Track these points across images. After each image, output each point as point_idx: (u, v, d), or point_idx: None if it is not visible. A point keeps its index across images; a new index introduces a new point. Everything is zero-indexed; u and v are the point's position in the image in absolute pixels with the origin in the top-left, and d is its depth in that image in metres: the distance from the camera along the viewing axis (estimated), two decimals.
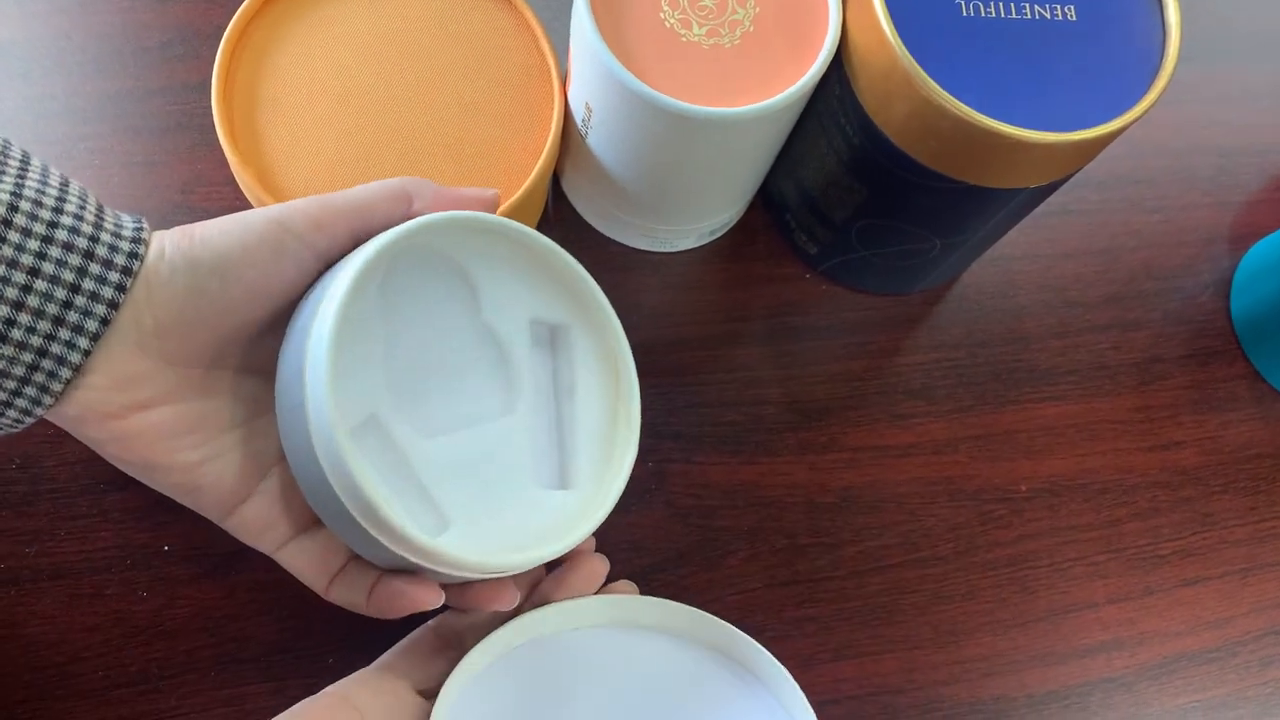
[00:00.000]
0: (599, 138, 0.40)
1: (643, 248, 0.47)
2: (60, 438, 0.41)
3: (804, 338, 0.48)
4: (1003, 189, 0.38)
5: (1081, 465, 0.48)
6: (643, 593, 0.40)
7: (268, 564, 0.41)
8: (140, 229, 0.32)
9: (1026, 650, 0.45)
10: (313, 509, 0.34)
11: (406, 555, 0.32)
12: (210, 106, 0.40)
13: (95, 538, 0.40)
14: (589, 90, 0.39)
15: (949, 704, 0.43)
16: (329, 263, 0.33)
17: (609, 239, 0.47)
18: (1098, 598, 0.46)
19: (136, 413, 0.32)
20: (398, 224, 0.33)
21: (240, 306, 0.32)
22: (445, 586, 0.35)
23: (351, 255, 0.32)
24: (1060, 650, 0.45)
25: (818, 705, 0.42)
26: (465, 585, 0.35)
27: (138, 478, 0.34)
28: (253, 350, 0.34)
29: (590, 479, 0.36)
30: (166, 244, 0.32)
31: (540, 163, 0.41)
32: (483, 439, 0.35)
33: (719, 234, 0.48)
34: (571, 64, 0.40)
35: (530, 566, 0.34)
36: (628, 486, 0.40)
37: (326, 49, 0.42)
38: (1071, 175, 0.40)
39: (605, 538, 0.39)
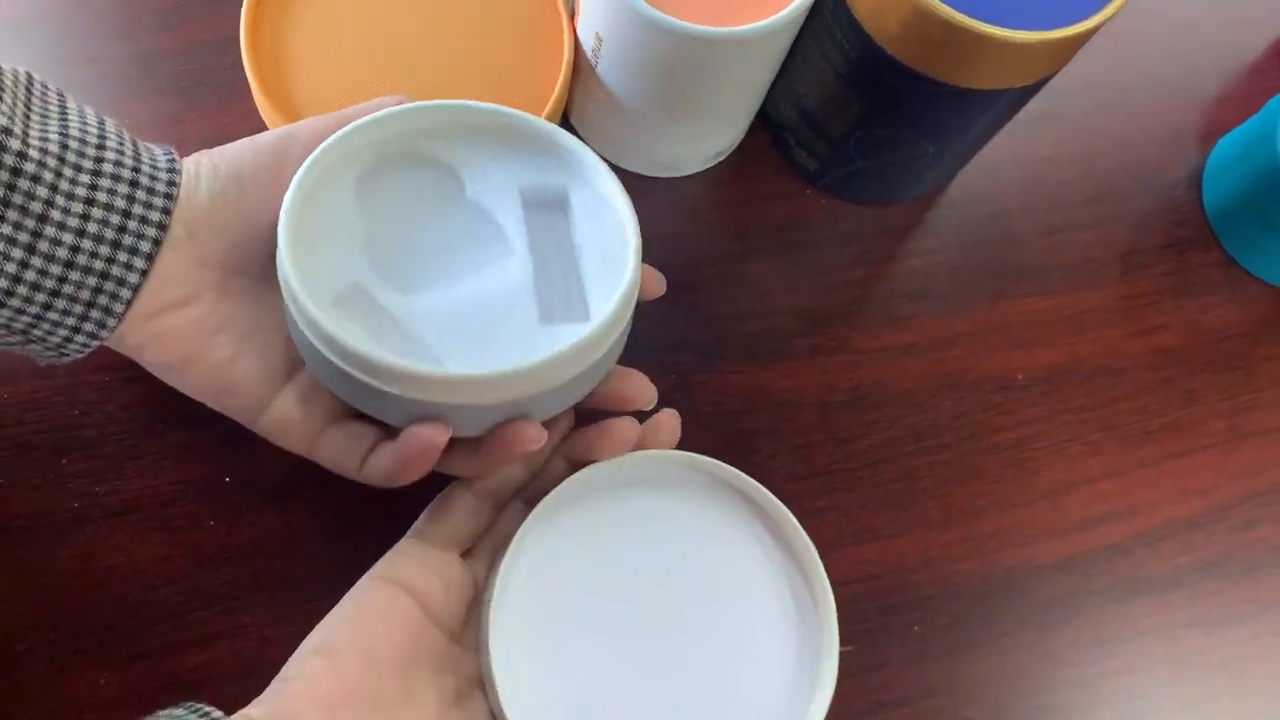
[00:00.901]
0: (609, 66, 0.43)
1: (651, 174, 0.50)
2: (118, 384, 0.44)
3: (807, 250, 0.51)
4: (990, 90, 0.41)
5: (1072, 353, 0.51)
6: None
7: (320, 489, 0.44)
8: (171, 156, 0.35)
9: (1032, 525, 0.48)
10: (323, 384, 0.36)
11: (415, 395, 0.32)
12: (230, 63, 0.43)
13: (160, 474, 0.43)
14: (599, 20, 0.41)
15: (964, 578, 0.47)
16: None
17: (618, 167, 0.49)
18: (1094, 473, 0.49)
19: (171, 311, 0.35)
20: None
21: (255, 211, 0.35)
22: (469, 447, 0.36)
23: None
24: (1062, 524, 0.48)
25: (843, 584, 0.46)
26: (489, 436, 0.35)
27: (175, 384, 0.37)
28: (272, 255, 0.36)
29: (595, 312, 0.36)
30: (189, 161, 0.36)
31: (554, 96, 0.43)
32: (477, 287, 0.35)
33: (723, 156, 0.51)
34: None
35: (540, 375, 0.33)
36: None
37: (345, 3, 0.44)
38: (1051, 77, 0.42)
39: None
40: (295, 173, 0.35)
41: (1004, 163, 0.54)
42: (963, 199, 0.53)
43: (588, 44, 0.43)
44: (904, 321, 0.50)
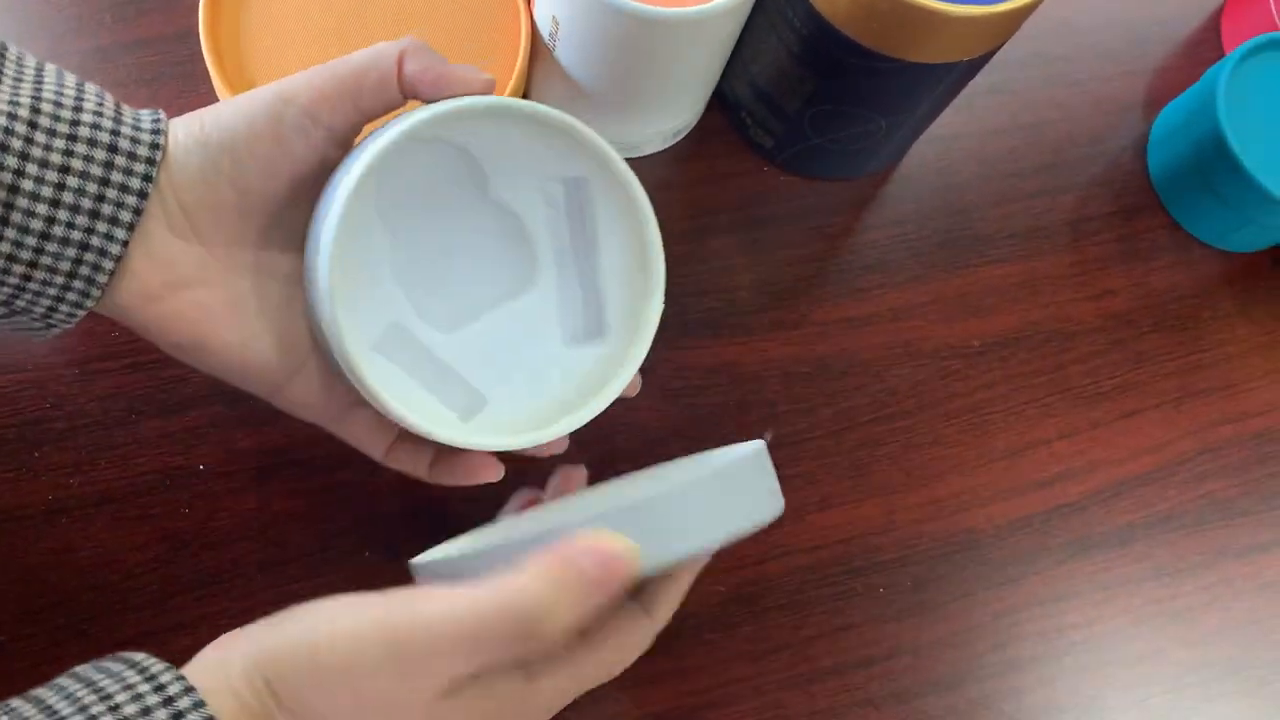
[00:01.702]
0: (567, 49, 0.44)
1: None
2: (90, 375, 0.44)
3: (767, 226, 0.52)
4: (939, 64, 0.42)
5: (1026, 319, 0.53)
6: (641, 466, 0.45)
7: (297, 474, 0.44)
8: (158, 120, 0.33)
9: (991, 486, 0.50)
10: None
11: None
12: (190, 54, 0.43)
13: (134, 464, 0.43)
14: (555, 4, 0.42)
15: (927, 539, 0.48)
16: (335, 135, 0.34)
17: None
18: (1049, 434, 0.51)
19: (176, 292, 0.34)
20: (393, 89, 0.33)
21: (255, 183, 0.33)
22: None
23: (350, 162, 0.33)
24: (1020, 484, 0.50)
25: (810, 550, 0.47)
26: (454, 455, 0.38)
27: (193, 363, 0.36)
28: (278, 227, 0.36)
29: (622, 328, 0.38)
30: (179, 130, 0.33)
31: (512, 83, 0.44)
32: (509, 314, 0.38)
33: (681, 136, 0.52)
34: None
35: (562, 434, 0.36)
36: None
37: None
38: (998, 49, 0.44)
39: (602, 420, 0.43)
40: (297, 140, 0.33)
41: (956, 135, 0.55)
42: (917, 172, 0.54)
43: (545, 27, 0.44)
44: (863, 293, 0.51)
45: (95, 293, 0.33)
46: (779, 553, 0.47)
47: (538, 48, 0.45)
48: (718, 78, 0.49)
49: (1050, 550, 0.49)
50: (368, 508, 0.44)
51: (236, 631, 0.30)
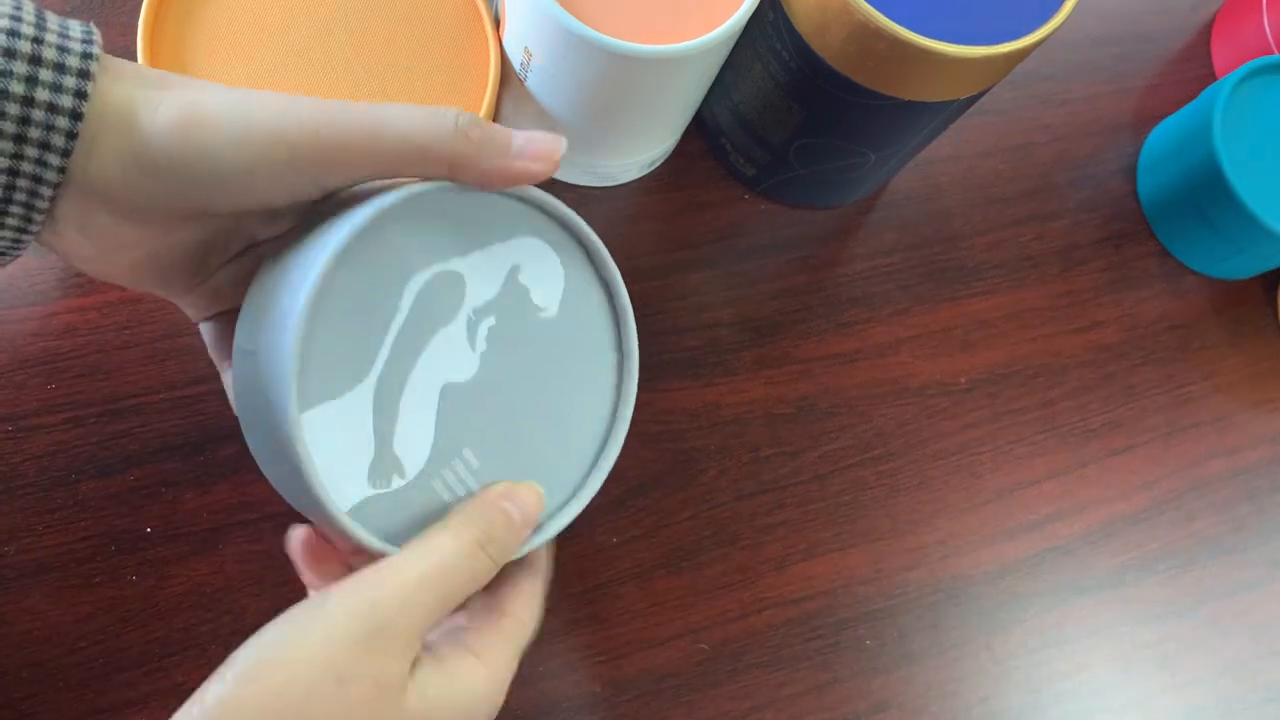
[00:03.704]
0: (539, 80, 0.41)
1: (586, 184, 0.48)
2: (25, 432, 0.41)
3: (749, 258, 0.49)
4: (935, 102, 0.40)
5: (1014, 353, 0.51)
6: (621, 515, 0.42)
7: (250, 535, 0.42)
8: (89, 31, 0.27)
9: (979, 530, 0.48)
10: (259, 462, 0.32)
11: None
12: None
13: (75, 528, 0.40)
14: (528, 35, 0.39)
15: (913, 587, 0.47)
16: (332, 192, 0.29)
17: (552, 179, 0.48)
18: (1038, 474, 0.49)
19: (110, 255, 0.29)
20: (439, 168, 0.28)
21: (219, 203, 0.28)
22: None
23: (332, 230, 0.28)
24: (1009, 526, 0.48)
25: (794, 602, 0.46)
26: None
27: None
28: (224, 216, 0.30)
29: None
30: (161, 114, 0.27)
31: (482, 109, 0.41)
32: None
33: (658, 163, 0.49)
34: (506, 8, 0.40)
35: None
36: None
37: (254, 7, 0.41)
38: (993, 86, 0.41)
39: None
40: (284, 195, 0.28)
41: (942, 159, 0.53)
42: (902, 199, 0.52)
43: (516, 57, 0.41)
44: (848, 328, 0.49)
45: (34, 228, 0.28)
46: (761, 606, 0.45)
47: (508, 76, 0.42)
48: (696, 107, 0.46)
49: (1040, 595, 0.48)
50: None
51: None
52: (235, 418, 0.35)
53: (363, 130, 0.27)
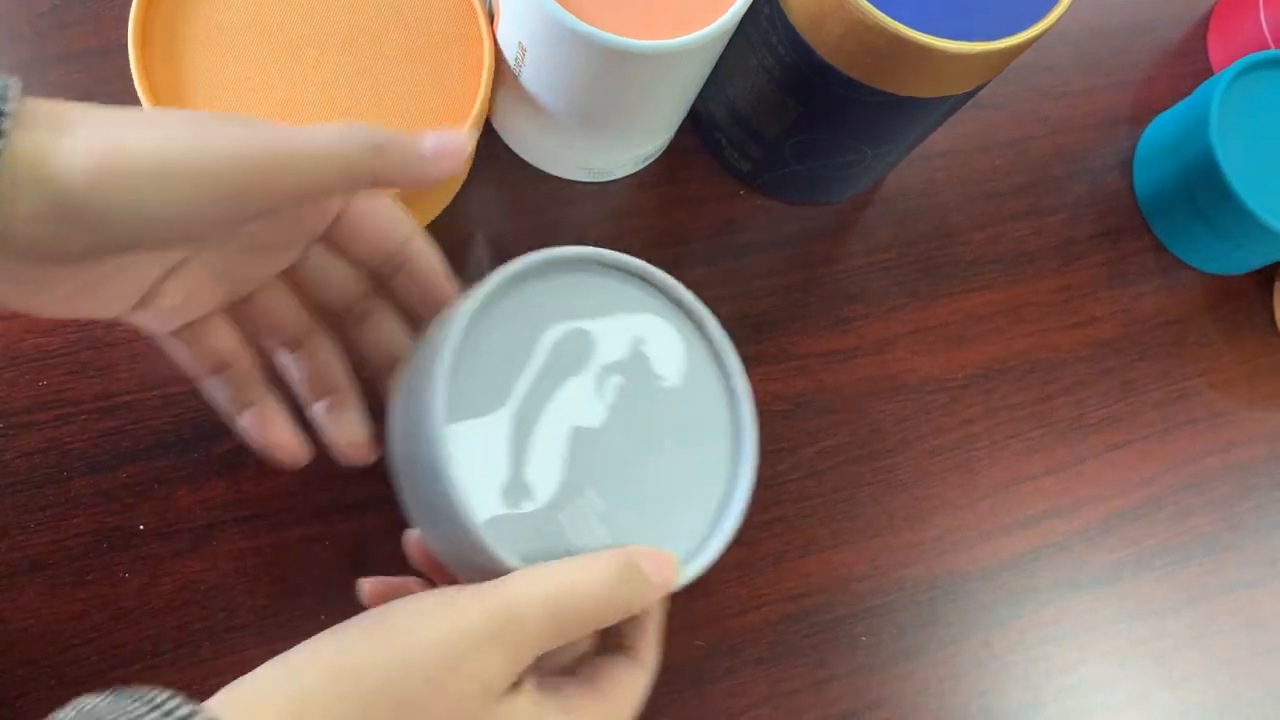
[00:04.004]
0: (533, 76, 0.40)
1: (580, 179, 0.48)
2: (15, 430, 0.40)
3: (745, 254, 0.49)
4: (933, 97, 0.39)
5: (1011, 348, 0.51)
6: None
7: (244, 532, 0.41)
8: (4, 85, 0.25)
9: (975, 526, 0.48)
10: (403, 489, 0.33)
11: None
12: (119, 71, 0.39)
13: (67, 526, 0.40)
14: (522, 30, 0.38)
15: (910, 584, 0.47)
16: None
17: (546, 174, 0.48)
18: (1035, 470, 0.49)
19: (38, 296, 0.28)
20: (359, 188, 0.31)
21: (146, 240, 0.28)
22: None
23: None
24: (1006, 523, 0.48)
25: (791, 599, 0.45)
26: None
27: None
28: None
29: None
30: (78, 162, 0.25)
31: (476, 107, 0.41)
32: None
33: (653, 158, 0.49)
34: (500, 2, 0.40)
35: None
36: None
37: (248, 1, 0.41)
38: (992, 79, 0.41)
39: None
40: (211, 231, 0.28)
41: (938, 153, 0.53)
42: (898, 194, 0.52)
43: (510, 52, 0.40)
44: (845, 324, 0.49)
45: None
46: (759, 603, 0.45)
47: (503, 71, 0.42)
48: (692, 101, 0.46)
49: (1037, 591, 0.48)
50: (320, 568, 0.41)
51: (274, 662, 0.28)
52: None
53: (280, 157, 0.27)
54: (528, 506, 0.31)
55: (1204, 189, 0.50)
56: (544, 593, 0.28)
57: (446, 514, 0.30)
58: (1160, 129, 0.54)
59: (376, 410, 0.35)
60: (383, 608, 0.28)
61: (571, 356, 0.33)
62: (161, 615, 0.40)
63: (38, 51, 0.44)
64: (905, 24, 0.35)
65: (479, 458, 0.30)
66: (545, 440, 0.32)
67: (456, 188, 0.46)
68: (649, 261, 0.48)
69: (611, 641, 0.33)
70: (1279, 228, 0.49)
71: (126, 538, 0.40)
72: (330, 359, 0.36)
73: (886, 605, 0.46)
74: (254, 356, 0.35)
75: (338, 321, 0.36)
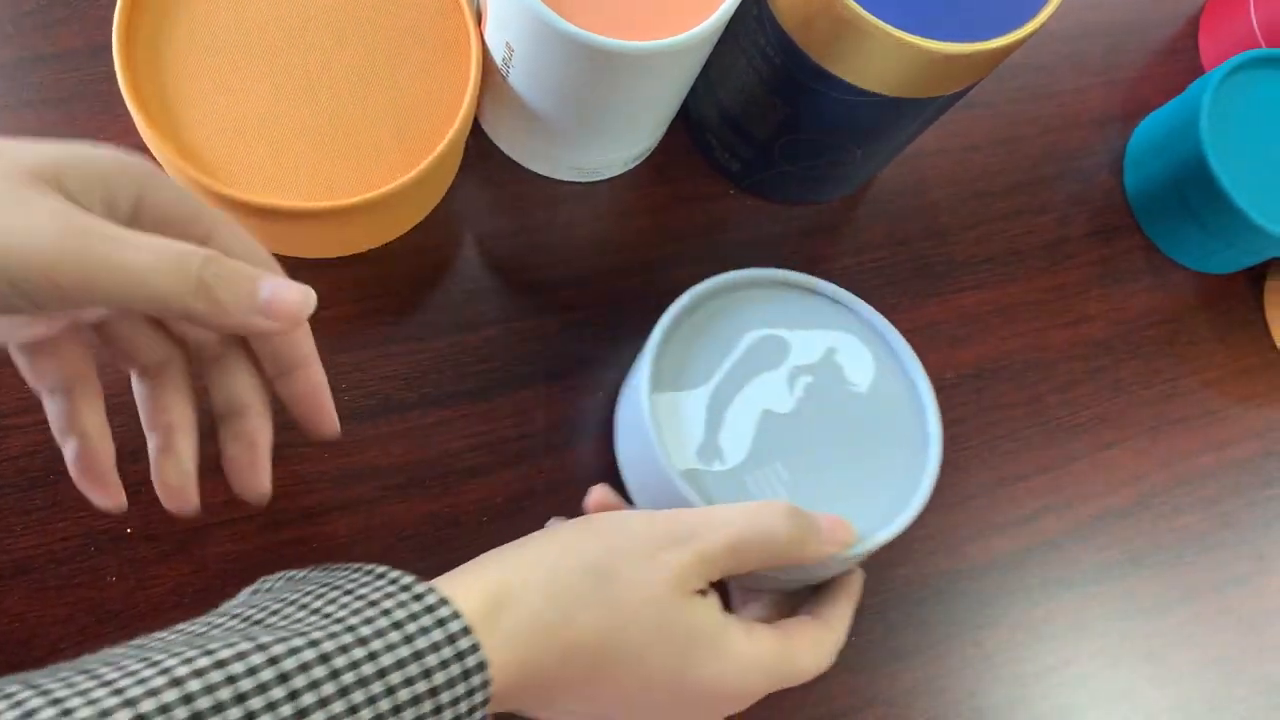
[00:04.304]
0: (521, 76, 0.40)
1: (569, 179, 0.47)
2: (1, 432, 0.40)
3: (735, 254, 0.49)
4: (923, 98, 0.39)
5: (1002, 348, 0.51)
6: None
7: (233, 533, 0.41)
8: None
9: (967, 525, 0.48)
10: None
11: None
12: (105, 71, 0.38)
13: (53, 529, 0.40)
14: (509, 30, 0.38)
15: (900, 583, 0.46)
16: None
17: (534, 174, 0.47)
18: (1026, 469, 0.49)
19: None
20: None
21: None
22: None
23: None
24: (997, 521, 0.48)
25: None
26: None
27: None
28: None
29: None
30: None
31: (463, 108, 0.41)
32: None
33: (642, 158, 0.48)
34: (487, 3, 0.39)
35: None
36: (588, 424, 0.41)
37: (232, 3, 0.40)
38: (981, 79, 0.41)
39: (580, 465, 0.41)
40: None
41: (929, 153, 0.53)
42: (889, 193, 0.52)
43: (498, 53, 0.40)
44: None
45: None
46: None
47: (490, 72, 0.42)
48: (681, 102, 0.46)
49: (1028, 590, 0.48)
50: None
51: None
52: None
53: (101, 272, 0.26)
54: (719, 466, 0.37)
55: (1195, 188, 0.50)
56: (724, 518, 0.33)
57: (650, 464, 0.36)
58: (1151, 128, 0.54)
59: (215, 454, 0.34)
60: (590, 516, 0.33)
61: (767, 356, 0.39)
62: (149, 618, 0.40)
63: (22, 51, 0.44)
64: (894, 25, 0.35)
65: (678, 423, 0.37)
66: (737, 416, 0.38)
67: (445, 189, 0.46)
68: (645, 261, 0.48)
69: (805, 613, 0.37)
70: (1269, 226, 0.49)
71: (113, 542, 0.40)
72: (174, 395, 0.34)
73: (877, 604, 0.46)
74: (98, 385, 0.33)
75: (195, 358, 0.34)
